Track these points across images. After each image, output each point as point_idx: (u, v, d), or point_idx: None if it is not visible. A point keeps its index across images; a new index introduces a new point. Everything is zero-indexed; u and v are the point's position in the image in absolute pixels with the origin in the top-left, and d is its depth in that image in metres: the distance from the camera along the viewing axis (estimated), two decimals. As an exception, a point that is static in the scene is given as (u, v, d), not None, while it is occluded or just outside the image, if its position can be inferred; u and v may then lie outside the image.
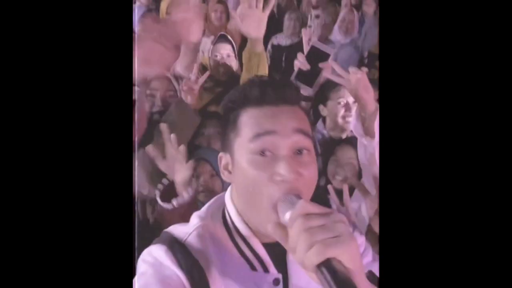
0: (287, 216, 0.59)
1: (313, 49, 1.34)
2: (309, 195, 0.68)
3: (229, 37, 2.16)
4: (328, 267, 0.51)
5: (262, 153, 0.67)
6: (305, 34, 1.52)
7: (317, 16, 3.28)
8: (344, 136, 1.97)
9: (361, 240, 0.82)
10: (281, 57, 3.21)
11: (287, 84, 0.72)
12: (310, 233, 0.53)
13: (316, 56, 1.31)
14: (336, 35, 3.14)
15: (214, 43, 2.12)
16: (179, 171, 1.28)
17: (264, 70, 2.04)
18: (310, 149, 0.69)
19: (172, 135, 1.29)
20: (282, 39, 3.35)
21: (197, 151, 1.63)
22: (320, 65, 1.31)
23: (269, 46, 3.33)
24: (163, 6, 3.11)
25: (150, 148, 1.32)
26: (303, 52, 1.37)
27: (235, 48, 2.16)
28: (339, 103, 1.94)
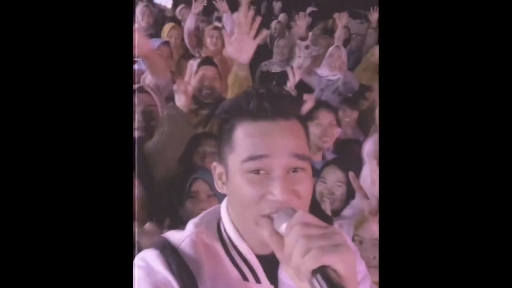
0: (283, 226, 0.59)
1: (301, 81, 1.42)
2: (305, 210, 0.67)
3: (214, 60, 2.22)
4: (323, 274, 0.51)
5: (256, 171, 0.67)
6: (290, 71, 1.61)
7: (306, 47, 3.36)
8: (319, 156, 2.03)
9: (361, 267, 0.80)
10: (271, 83, 3.28)
11: (284, 96, 0.71)
12: (308, 239, 0.53)
13: (302, 88, 1.39)
14: (323, 69, 3.17)
15: (199, 64, 2.18)
16: None
17: None
18: (305, 168, 0.68)
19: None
20: (271, 66, 3.43)
21: (195, 172, 1.64)
22: (305, 96, 1.37)
23: (258, 73, 3.41)
24: (166, 29, 3.22)
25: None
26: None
27: (220, 71, 2.22)
28: (317, 124, 2.01)
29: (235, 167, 0.69)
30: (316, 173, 1.76)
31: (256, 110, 0.69)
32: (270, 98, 0.69)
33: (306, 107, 1.45)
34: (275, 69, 3.41)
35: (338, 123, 2.12)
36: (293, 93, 1.40)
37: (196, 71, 2.15)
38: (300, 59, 3.20)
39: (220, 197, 0.80)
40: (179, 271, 0.68)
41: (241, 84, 1.88)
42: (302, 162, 0.68)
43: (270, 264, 0.71)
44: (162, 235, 0.76)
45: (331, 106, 2.14)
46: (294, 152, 0.67)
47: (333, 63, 3.08)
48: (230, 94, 2.06)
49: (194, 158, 1.79)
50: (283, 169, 0.66)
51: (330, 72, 3.12)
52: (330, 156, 2.10)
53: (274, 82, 3.27)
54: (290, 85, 1.79)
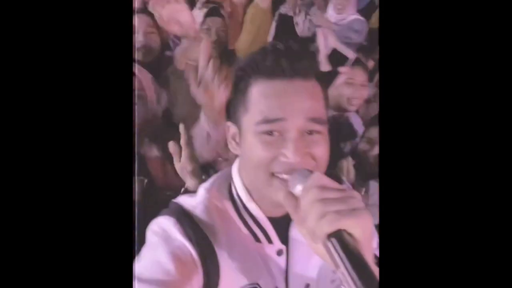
0: (298, 187, 0.58)
1: (334, 51, 1.31)
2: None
3: (221, 10, 2.10)
4: (338, 238, 0.51)
5: (270, 132, 0.66)
6: (320, 34, 1.43)
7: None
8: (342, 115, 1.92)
9: None
10: (289, 26, 3.10)
11: (303, 54, 0.68)
12: (324, 203, 0.52)
13: (336, 58, 1.28)
14: (330, 13, 2.93)
15: (205, 15, 2.07)
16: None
17: (265, 33, 1.94)
18: (321, 131, 0.67)
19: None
20: (288, 9, 3.24)
21: None
22: (340, 69, 1.27)
23: (276, 16, 3.24)
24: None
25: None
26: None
27: (227, 23, 2.11)
28: (347, 83, 1.81)
29: (248, 128, 0.67)
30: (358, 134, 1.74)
31: (272, 67, 0.65)
32: (288, 55, 0.65)
33: (340, 81, 1.31)
34: (292, 12, 3.21)
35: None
36: (325, 65, 1.27)
37: (202, 23, 2.06)
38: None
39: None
40: (195, 237, 0.69)
41: (262, 17, 1.74)
42: (318, 126, 0.66)
43: (281, 225, 0.72)
44: (175, 200, 0.76)
45: (365, 64, 1.94)
46: (310, 115, 0.65)
47: (339, 3, 2.83)
48: (244, 31, 1.95)
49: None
50: (298, 131, 0.65)
51: (338, 15, 2.87)
52: (354, 117, 1.99)
53: (293, 25, 3.10)
54: (321, 56, 1.50)
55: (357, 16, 2.83)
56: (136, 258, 0.68)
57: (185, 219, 0.71)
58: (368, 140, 1.69)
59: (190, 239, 0.68)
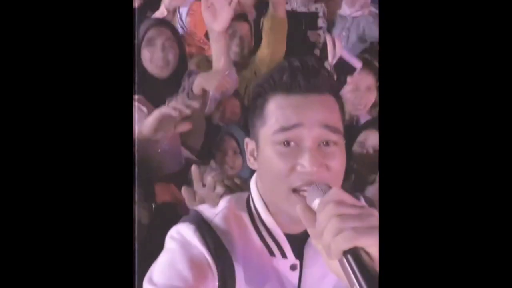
0: (316, 202, 0.57)
1: (340, 60, 1.28)
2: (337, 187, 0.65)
3: (248, 16, 2.01)
4: (354, 256, 0.49)
5: (286, 143, 0.66)
6: (329, 41, 1.40)
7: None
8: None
9: None
10: (299, 25, 3.01)
11: (319, 70, 0.69)
12: (341, 219, 0.51)
13: (343, 68, 1.26)
14: (345, 9, 2.87)
15: (233, 19, 1.96)
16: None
17: (283, 43, 1.92)
18: (337, 142, 0.67)
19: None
20: (295, 4, 3.13)
21: (223, 127, 1.61)
22: (349, 79, 1.25)
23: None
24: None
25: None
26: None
27: (252, 29, 2.02)
28: (353, 89, 1.76)
29: (265, 140, 0.68)
30: (354, 137, 1.69)
31: (289, 84, 0.67)
32: (304, 72, 0.68)
33: (347, 89, 1.30)
34: (300, 8, 3.12)
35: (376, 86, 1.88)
36: (330, 70, 1.25)
37: (229, 26, 1.96)
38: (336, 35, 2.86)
39: (244, 156, 0.80)
40: (214, 245, 0.69)
41: (279, 27, 1.75)
42: (334, 135, 0.67)
43: (296, 241, 0.73)
44: (196, 209, 0.77)
45: (373, 65, 1.83)
46: (325, 122, 0.66)
47: None
48: (264, 44, 1.90)
49: (215, 116, 1.74)
50: (314, 141, 0.66)
51: (353, 10, 2.81)
52: (363, 121, 1.92)
53: (303, 24, 3.01)
54: (330, 61, 1.52)
55: (370, 14, 2.74)
56: (153, 264, 0.69)
57: (205, 227, 0.71)
58: (360, 144, 1.66)
59: (208, 248, 0.69)
